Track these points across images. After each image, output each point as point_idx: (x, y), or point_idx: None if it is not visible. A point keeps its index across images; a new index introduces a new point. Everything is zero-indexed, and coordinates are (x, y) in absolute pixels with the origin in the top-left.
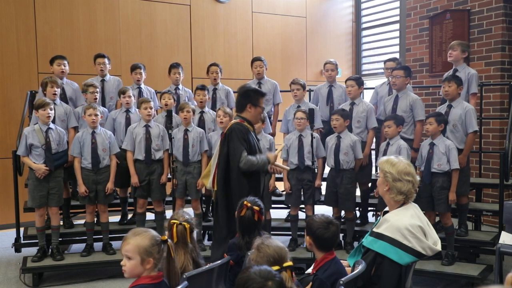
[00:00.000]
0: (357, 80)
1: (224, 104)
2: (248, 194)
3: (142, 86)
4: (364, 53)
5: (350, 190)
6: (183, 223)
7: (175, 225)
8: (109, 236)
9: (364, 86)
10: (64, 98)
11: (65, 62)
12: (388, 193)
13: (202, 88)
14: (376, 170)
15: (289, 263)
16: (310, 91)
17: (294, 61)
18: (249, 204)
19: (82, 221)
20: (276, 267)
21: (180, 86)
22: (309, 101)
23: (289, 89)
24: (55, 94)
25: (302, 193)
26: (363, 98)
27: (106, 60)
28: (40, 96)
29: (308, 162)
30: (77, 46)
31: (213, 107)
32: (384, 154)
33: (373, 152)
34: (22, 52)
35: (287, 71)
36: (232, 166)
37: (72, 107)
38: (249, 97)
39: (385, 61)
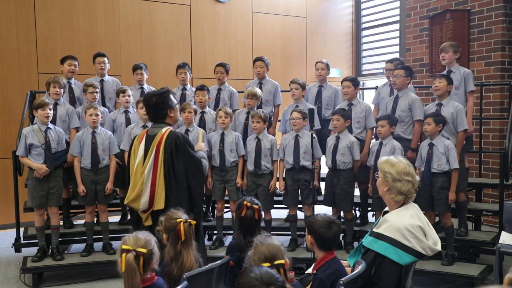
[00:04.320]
0: (353, 81)
1: (226, 105)
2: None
3: (145, 86)
4: (364, 53)
5: (347, 190)
6: (188, 220)
7: (182, 223)
8: (109, 236)
9: (364, 86)
10: (72, 97)
11: (76, 63)
12: (388, 194)
13: (201, 88)
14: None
15: (281, 261)
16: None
17: (294, 61)
18: (248, 204)
19: (82, 221)
20: (267, 264)
21: (188, 86)
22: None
23: (289, 89)
24: (57, 94)
25: (299, 193)
26: (362, 98)
27: (105, 59)
28: (45, 96)
29: (304, 163)
30: (77, 46)
31: (216, 108)
32: (377, 154)
33: None
34: (22, 52)
35: (287, 71)
36: (195, 179)
37: (78, 107)
38: (164, 102)
39: (385, 62)
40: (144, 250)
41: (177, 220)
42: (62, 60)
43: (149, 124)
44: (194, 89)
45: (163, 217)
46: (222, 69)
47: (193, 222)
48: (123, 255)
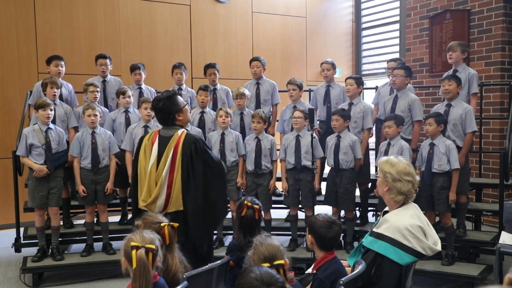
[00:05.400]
0: (357, 80)
1: (224, 104)
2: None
3: (143, 86)
4: (364, 53)
5: (349, 189)
6: (170, 223)
7: (166, 227)
8: (109, 236)
9: (364, 86)
10: (60, 98)
11: (62, 63)
12: (388, 193)
13: (205, 88)
14: (376, 170)
15: (281, 261)
16: (310, 91)
17: (294, 61)
18: (249, 204)
19: (82, 221)
20: (267, 265)
21: (183, 86)
22: (309, 102)
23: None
24: (55, 95)
25: (300, 193)
26: (363, 98)
27: (107, 61)
28: (35, 96)
29: (305, 162)
30: (77, 46)
31: (214, 108)
32: (385, 154)
33: (372, 152)
34: (22, 52)
35: (287, 71)
36: (216, 180)
37: (78, 107)
38: (170, 107)
39: (388, 61)
40: (153, 246)
41: (161, 224)
42: (47, 61)
43: (150, 124)
44: (189, 89)
45: (139, 221)
46: (215, 70)
47: (176, 224)
48: (134, 251)
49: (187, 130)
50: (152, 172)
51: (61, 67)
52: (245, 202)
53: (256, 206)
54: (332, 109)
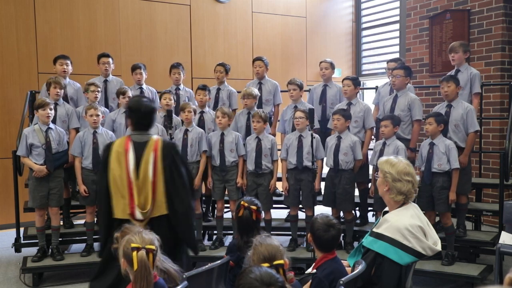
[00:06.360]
0: (354, 80)
1: (225, 105)
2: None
3: (144, 86)
4: (364, 53)
5: (348, 190)
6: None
7: None
8: None
9: (364, 86)
10: (64, 97)
11: (68, 61)
12: (388, 194)
13: (203, 88)
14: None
15: (280, 261)
16: (310, 91)
17: (294, 61)
18: (246, 204)
19: (82, 221)
20: (266, 265)
21: (181, 86)
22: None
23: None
24: (58, 94)
25: (300, 193)
26: (362, 98)
27: (110, 60)
28: (42, 96)
29: (306, 163)
30: (77, 46)
31: (215, 107)
32: (380, 154)
33: (371, 152)
34: (22, 52)
35: (287, 71)
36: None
37: (73, 107)
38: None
39: (387, 61)
40: (153, 247)
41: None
42: (54, 60)
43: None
44: (187, 89)
45: (118, 234)
46: (222, 69)
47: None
48: (134, 253)
49: (192, 129)
50: (133, 179)
51: (66, 66)
52: (242, 202)
53: (253, 207)
54: (327, 109)
